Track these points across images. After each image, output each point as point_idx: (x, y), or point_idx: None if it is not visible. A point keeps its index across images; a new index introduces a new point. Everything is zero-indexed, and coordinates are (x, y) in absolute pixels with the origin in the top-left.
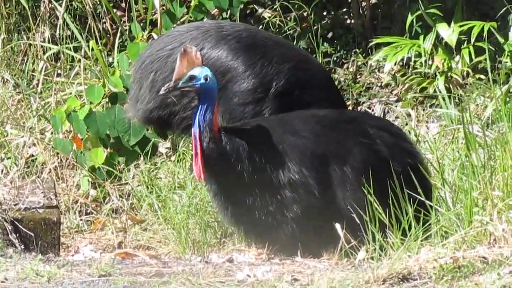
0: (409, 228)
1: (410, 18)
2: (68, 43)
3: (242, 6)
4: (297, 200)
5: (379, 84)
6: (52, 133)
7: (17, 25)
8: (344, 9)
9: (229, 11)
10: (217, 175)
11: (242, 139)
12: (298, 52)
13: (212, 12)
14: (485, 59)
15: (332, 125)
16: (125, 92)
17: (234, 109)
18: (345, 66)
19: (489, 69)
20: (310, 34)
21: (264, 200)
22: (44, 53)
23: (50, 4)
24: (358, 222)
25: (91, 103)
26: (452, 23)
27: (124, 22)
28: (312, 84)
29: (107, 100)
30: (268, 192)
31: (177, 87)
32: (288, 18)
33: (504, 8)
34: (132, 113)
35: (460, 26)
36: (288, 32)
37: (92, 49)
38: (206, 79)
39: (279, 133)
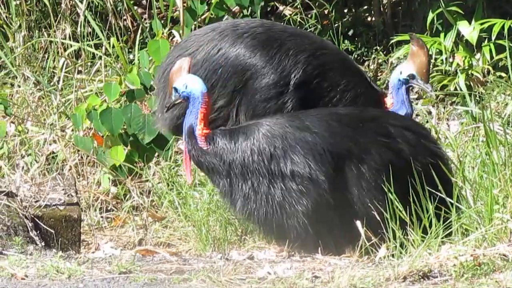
0: (430, 226)
1: (431, 15)
2: (89, 40)
3: (263, 3)
4: (305, 193)
5: None
6: (72, 130)
7: (38, 22)
8: (365, 7)
9: (250, 8)
10: (212, 175)
11: (231, 138)
12: (313, 40)
13: (233, 9)
14: (506, 57)
15: (352, 124)
16: (142, 89)
17: (256, 105)
18: (366, 63)
19: (509, 67)
20: (331, 31)
21: (266, 192)
22: (65, 50)
23: (71, 1)
24: (375, 220)
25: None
26: (473, 21)
27: (145, 19)
28: (329, 69)
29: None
30: (270, 184)
31: (172, 102)
32: (309, 16)
33: None
34: (160, 124)
35: (481, 23)
36: (309, 30)
37: (113, 46)
38: (185, 87)
39: (282, 128)
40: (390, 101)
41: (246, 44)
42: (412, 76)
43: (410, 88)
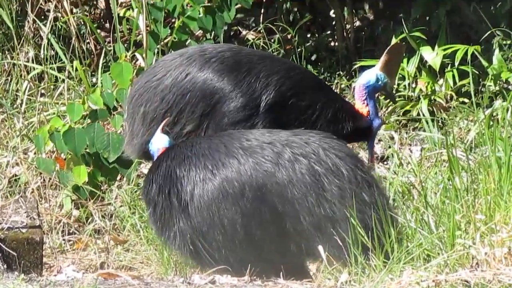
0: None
1: (394, 41)
2: (52, 63)
3: (226, 27)
4: (185, 216)
5: None
6: (35, 153)
7: (1, 45)
8: (328, 32)
9: (213, 32)
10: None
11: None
12: (283, 62)
13: (196, 33)
14: (469, 83)
15: (230, 146)
16: (105, 109)
17: (224, 129)
18: None
19: (472, 93)
20: (294, 56)
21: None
22: (28, 73)
23: (34, 24)
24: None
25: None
26: (436, 47)
27: (108, 42)
28: (305, 88)
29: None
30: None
31: None
32: (272, 40)
33: (488, 32)
34: (130, 151)
35: (444, 49)
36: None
37: (76, 69)
38: (151, 145)
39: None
40: (366, 110)
41: (214, 69)
42: (387, 83)
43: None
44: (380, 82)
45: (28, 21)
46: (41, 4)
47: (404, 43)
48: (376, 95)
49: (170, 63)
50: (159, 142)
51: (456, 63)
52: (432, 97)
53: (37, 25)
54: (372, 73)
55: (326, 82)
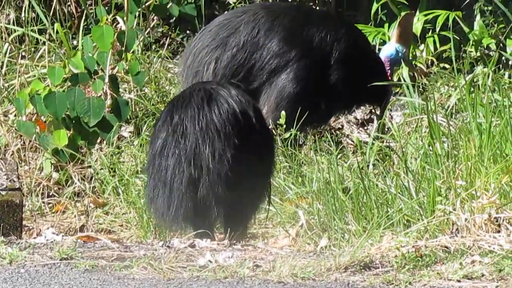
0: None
1: (375, 6)
2: (33, 26)
3: None
4: None
5: None
6: (15, 115)
7: None
8: None
9: None
10: None
11: None
12: (332, 17)
13: None
14: (450, 48)
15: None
16: (86, 73)
17: (293, 86)
18: None
19: (453, 58)
20: None
21: None
22: (8, 35)
23: None
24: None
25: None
26: (417, 12)
27: (90, 5)
28: (361, 41)
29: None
30: None
31: None
32: (250, 2)
33: None
34: None
35: (425, 14)
36: None
37: (57, 32)
38: None
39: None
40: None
41: (285, 27)
42: (404, 54)
43: None
44: (400, 54)
45: None
46: None
47: (413, 11)
48: None
49: (237, 20)
50: None
51: (437, 29)
52: (413, 62)
53: None
54: (391, 46)
55: None
